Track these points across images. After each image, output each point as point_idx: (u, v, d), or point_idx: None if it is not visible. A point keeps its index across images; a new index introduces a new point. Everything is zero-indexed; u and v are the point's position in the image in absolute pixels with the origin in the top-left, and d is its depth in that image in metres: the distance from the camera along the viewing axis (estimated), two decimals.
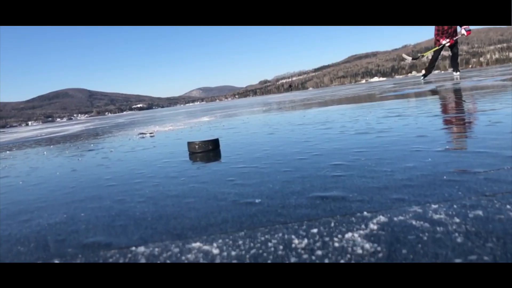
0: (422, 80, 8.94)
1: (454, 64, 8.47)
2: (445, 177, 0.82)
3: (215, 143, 1.70)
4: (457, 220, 0.58)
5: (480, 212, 0.59)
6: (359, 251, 0.51)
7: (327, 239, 0.56)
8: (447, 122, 1.71)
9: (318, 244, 0.55)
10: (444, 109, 2.27)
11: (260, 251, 0.55)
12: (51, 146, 3.37)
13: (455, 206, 0.64)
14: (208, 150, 1.66)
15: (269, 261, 0.52)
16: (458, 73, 8.41)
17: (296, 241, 0.57)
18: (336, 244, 0.54)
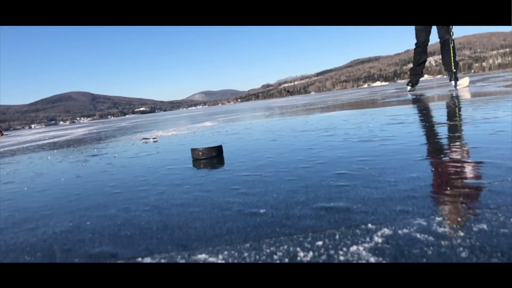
0: (410, 89, 6.58)
1: (451, 63, 5.67)
2: (448, 188, 0.82)
3: (218, 149, 1.71)
4: (462, 233, 0.58)
5: (484, 226, 0.60)
6: None
7: (332, 252, 0.57)
8: (449, 130, 1.71)
9: (323, 257, 0.56)
10: (447, 117, 2.28)
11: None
12: (55, 150, 3.38)
13: (459, 219, 0.64)
14: (212, 157, 1.66)
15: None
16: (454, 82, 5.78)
17: (301, 254, 0.58)
18: (342, 258, 0.55)
